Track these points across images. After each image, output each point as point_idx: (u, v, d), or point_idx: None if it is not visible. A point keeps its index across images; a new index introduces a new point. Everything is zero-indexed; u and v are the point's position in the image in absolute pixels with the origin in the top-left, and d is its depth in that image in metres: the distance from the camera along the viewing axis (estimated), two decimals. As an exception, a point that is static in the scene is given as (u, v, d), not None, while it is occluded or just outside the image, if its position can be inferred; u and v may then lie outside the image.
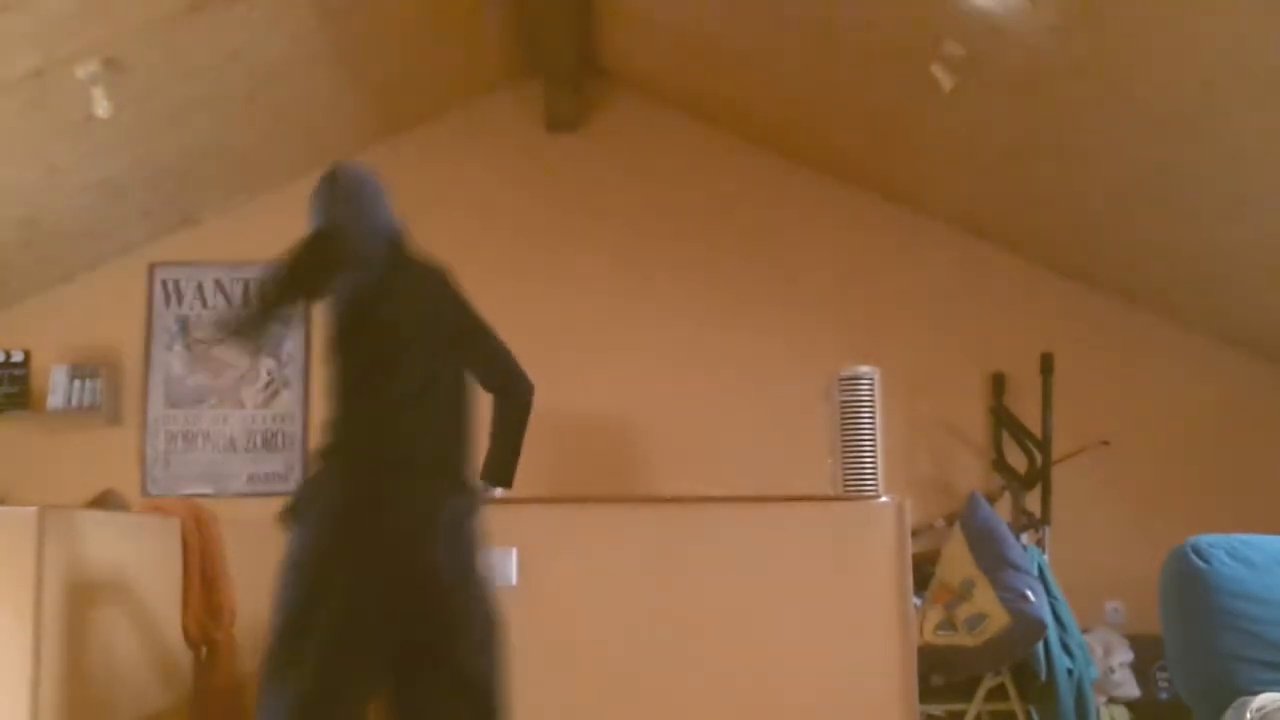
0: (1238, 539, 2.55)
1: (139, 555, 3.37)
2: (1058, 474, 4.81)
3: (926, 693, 3.42)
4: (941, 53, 3.67)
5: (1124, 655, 4.34)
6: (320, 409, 5.19)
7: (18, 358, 4.98)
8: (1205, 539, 2.54)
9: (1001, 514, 4.28)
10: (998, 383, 5.04)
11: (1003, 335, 5.08)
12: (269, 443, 5.05)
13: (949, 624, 3.59)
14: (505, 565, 2.87)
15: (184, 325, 5.12)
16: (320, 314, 2.52)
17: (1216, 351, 5.06)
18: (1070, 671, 3.54)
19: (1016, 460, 4.90)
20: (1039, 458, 4.81)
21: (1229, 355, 5.06)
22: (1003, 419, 4.96)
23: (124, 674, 3.17)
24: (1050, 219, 4.74)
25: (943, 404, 5.05)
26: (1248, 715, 2.25)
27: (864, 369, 3.50)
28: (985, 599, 3.52)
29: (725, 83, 4.81)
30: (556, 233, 5.13)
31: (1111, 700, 4.30)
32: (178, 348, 5.10)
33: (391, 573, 2.27)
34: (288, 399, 5.09)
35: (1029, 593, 3.47)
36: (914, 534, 4.66)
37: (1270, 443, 4.97)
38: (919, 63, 3.77)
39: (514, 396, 2.73)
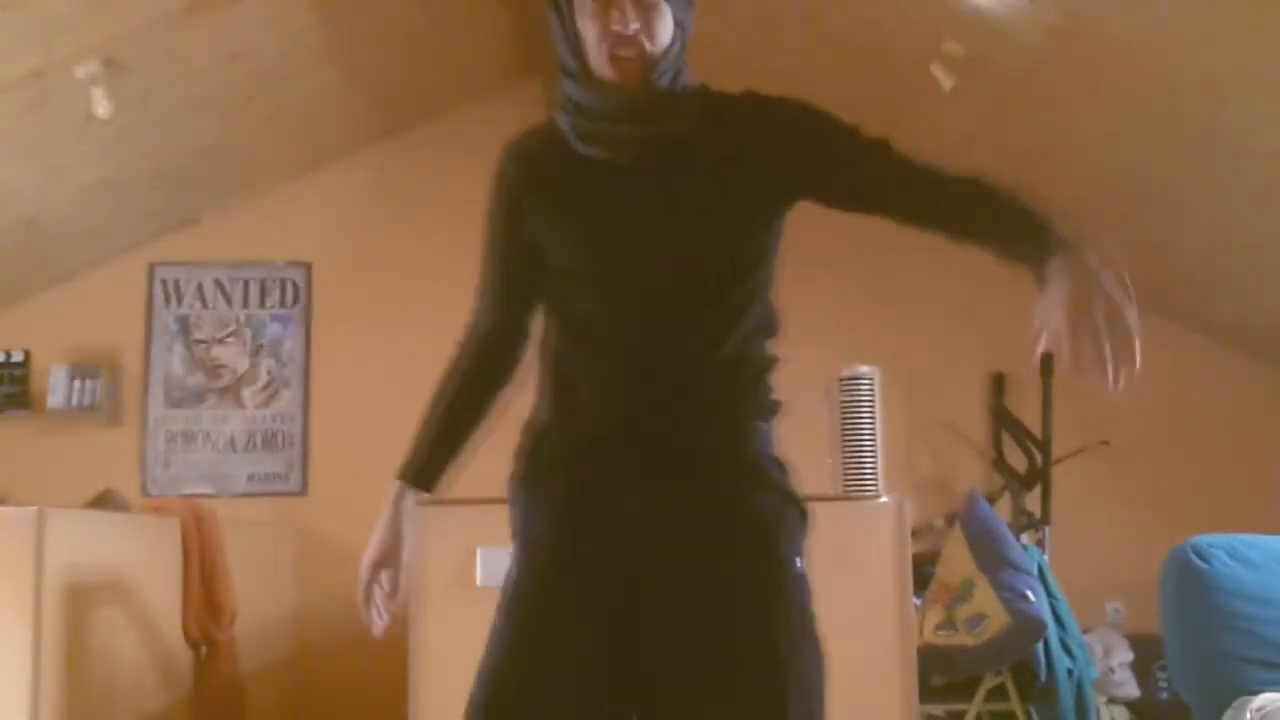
0: (1238, 539, 2.56)
1: (139, 555, 3.37)
2: (1058, 474, 4.80)
3: (926, 693, 3.42)
4: (941, 53, 3.67)
5: (1124, 655, 4.34)
6: (319, 409, 5.23)
7: (18, 358, 4.97)
8: (1205, 539, 2.55)
9: (1001, 514, 4.28)
10: (998, 383, 5.04)
11: (1003, 335, 5.08)
12: (269, 443, 5.05)
13: (949, 624, 3.59)
14: (503, 565, 2.86)
15: (184, 325, 5.12)
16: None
17: (1216, 352, 5.06)
18: (1070, 671, 3.54)
19: (1016, 460, 4.90)
20: (1039, 458, 4.81)
21: (1229, 355, 5.05)
22: (1003, 419, 4.96)
23: (124, 674, 3.17)
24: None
25: (943, 404, 5.05)
26: (1248, 715, 2.25)
27: (864, 369, 3.49)
28: (985, 599, 3.52)
29: (723, 82, 4.79)
30: (556, 233, 5.12)
31: (1111, 700, 4.30)
32: (178, 348, 5.10)
33: None
34: (288, 399, 5.09)
35: (1029, 593, 3.47)
36: (914, 534, 4.67)
37: (1270, 443, 4.96)
38: (919, 63, 3.77)
39: None
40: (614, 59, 1.56)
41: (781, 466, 1.67)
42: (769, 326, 1.70)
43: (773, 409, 1.70)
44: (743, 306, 1.64)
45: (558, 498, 1.61)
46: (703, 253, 1.61)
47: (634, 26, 1.53)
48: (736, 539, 1.56)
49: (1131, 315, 1.35)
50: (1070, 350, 1.34)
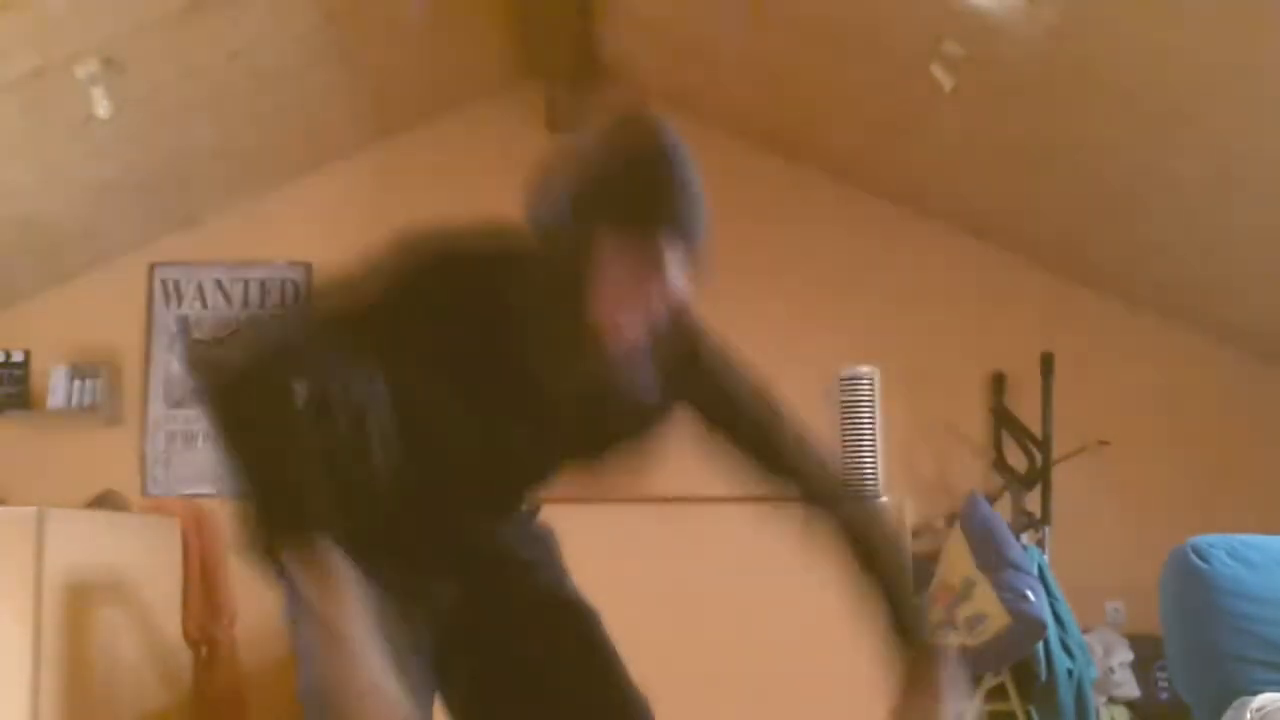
0: (1238, 539, 2.55)
1: (139, 555, 3.37)
2: (1058, 474, 4.80)
3: (926, 693, 3.42)
4: (941, 53, 3.67)
5: (1124, 655, 4.34)
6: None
7: (18, 358, 4.97)
8: (1205, 539, 2.54)
9: (1001, 514, 4.28)
10: (998, 383, 5.04)
11: (1003, 335, 5.08)
12: (269, 443, 5.05)
13: (949, 624, 3.60)
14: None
15: (184, 325, 5.12)
16: None
17: (1216, 352, 5.06)
18: (1070, 671, 3.54)
19: (1016, 460, 4.90)
20: (1039, 458, 4.81)
21: (1228, 356, 5.05)
22: (1003, 419, 4.96)
23: (124, 674, 3.17)
24: (1050, 219, 4.74)
25: (943, 404, 5.05)
26: (1248, 715, 2.25)
27: (864, 369, 3.50)
28: (985, 599, 3.52)
29: (725, 83, 4.81)
30: (556, 233, 5.12)
31: (1111, 700, 4.30)
32: (178, 348, 5.10)
33: None
34: (288, 399, 5.08)
35: (1029, 593, 3.47)
36: (914, 534, 4.68)
37: (1270, 443, 4.96)
38: (919, 63, 3.77)
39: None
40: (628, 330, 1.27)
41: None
42: None
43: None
44: None
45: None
46: (559, 469, 1.61)
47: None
48: (524, 544, 1.69)
49: None
50: None
